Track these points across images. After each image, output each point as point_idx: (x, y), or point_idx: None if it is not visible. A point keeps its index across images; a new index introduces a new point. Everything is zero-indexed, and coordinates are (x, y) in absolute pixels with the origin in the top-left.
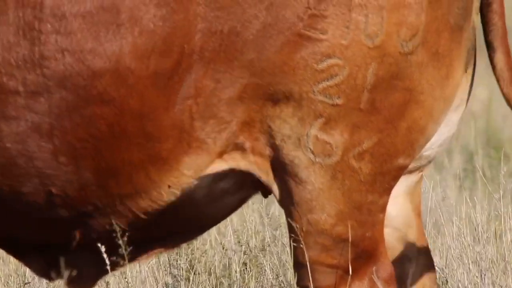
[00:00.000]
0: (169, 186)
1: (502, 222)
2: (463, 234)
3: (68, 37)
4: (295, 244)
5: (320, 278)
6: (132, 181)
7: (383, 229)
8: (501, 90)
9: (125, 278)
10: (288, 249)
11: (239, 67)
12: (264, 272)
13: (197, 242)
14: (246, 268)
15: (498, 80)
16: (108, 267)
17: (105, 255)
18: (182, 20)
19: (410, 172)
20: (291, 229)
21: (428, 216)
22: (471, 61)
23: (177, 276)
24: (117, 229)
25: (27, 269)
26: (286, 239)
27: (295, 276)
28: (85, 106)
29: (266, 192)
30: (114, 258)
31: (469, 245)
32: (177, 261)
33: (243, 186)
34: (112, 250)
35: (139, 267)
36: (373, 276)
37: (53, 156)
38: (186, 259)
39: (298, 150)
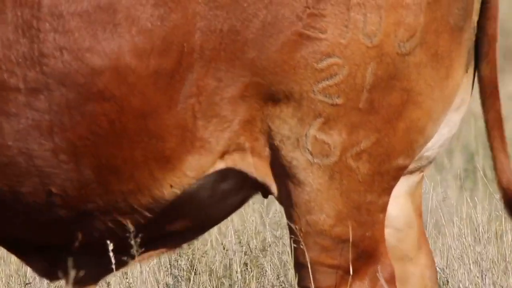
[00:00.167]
0: (171, 186)
1: (503, 222)
2: (464, 234)
3: (66, 36)
4: (295, 245)
5: (320, 278)
6: (134, 178)
7: (383, 229)
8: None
9: (127, 278)
10: (289, 249)
11: (240, 66)
12: (265, 273)
13: (198, 243)
14: (247, 269)
15: (479, 89)
16: (114, 266)
17: (111, 254)
18: (180, 19)
19: (411, 172)
20: (291, 230)
21: (429, 216)
22: (472, 62)
23: (178, 276)
24: (131, 229)
25: (28, 269)
26: (286, 240)
27: (296, 276)
28: (85, 103)
29: (266, 192)
30: (119, 257)
31: (470, 245)
32: (178, 261)
33: (244, 186)
34: (115, 249)
35: (140, 267)
36: (378, 274)
37: (53, 154)
38: (187, 260)
39: (297, 151)
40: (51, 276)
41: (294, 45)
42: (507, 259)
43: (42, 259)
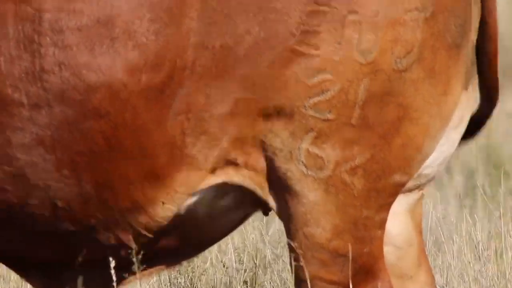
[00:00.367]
0: (163, 203)
1: (503, 240)
2: (464, 252)
3: (65, 51)
4: (295, 262)
5: None
6: (130, 195)
7: (382, 246)
8: None
9: None
10: (289, 267)
11: (231, 82)
12: None
13: (198, 260)
14: (247, 287)
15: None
16: (114, 284)
17: (113, 271)
18: (174, 35)
19: (411, 190)
20: (291, 247)
21: (429, 234)
22: (472, 79)
23: None
24: (133, 246)
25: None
26: (287, 257)
27: None
28: (83, 120)
29: (266, 209)
30: (120, 274)
31: (469, 263)
32: (177, 279)
33: (243, 203)
34: (116, 266)
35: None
36: None
37: (57, 169)
38: (187, 277)
39: (290, 163)
40: None
41: (286, 61)
42: (507, 277)
43: (43, 275)
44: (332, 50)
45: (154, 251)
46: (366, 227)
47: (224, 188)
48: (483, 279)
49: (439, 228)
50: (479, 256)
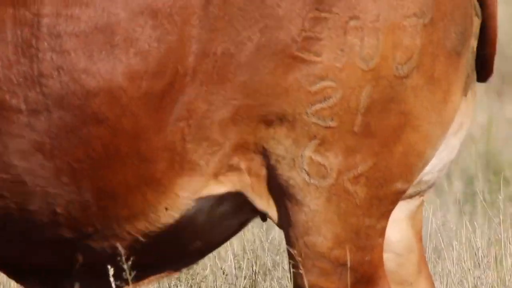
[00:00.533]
0: (166, 209)
1: (503, 247)
2: (463, 258)
3: (63, 56)
4: (294, 270)
5: None
6: (129, 202)
7: (382, 253)
8: None
9: None
10: (288, 274)
11: (232, 88)
12: None
13: (197, 267)
14: None
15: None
16: None
17: (111, 279)
18: (176, 41)
19: (411, 197)
20: (290, 255)
21: (428, 240)
22: (471, 86)
23: None
24: (122, 252)
25: None
26: (286, 265)
27: None
28: (81, 126)
29: (264, 215)
30: (118, 282)
31: (469, 269)
32: (177, 286)
33: (242, 209)
34: (114, 274)
35: None
36: None
37: (56, 176)
38: (187, 284)
39: (293, 170)
40: None
41: (288, 68)
42: (507, 284)
43: (41, 282)
44: (334, 57)
45: (154, 258)
46: (368, 236)
47: (223, 194)
48: (482, 286)
49: (439, 235)
50: (478, 263)
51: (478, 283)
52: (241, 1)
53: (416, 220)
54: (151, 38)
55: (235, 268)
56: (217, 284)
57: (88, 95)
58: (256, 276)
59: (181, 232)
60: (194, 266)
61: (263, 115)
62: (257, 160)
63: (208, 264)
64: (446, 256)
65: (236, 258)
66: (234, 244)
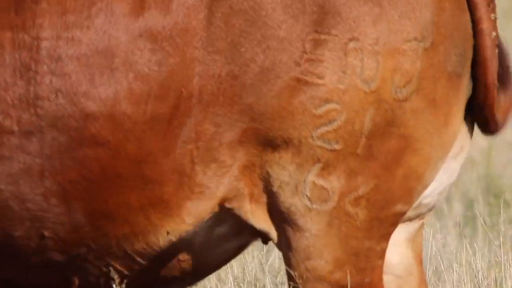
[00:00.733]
0: (168, 233)
1: (503, 269)
2: (464, 281)
3: (63, 79)
4: None
5: None
6: (128, 223)
7: (382, 275)
8: None
9: None
10: None
11: (238, 111)
12: None
13: None
14: None
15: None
16: None
17: None
18: (178, 64)
19: (411, 219)
20: (290, 276)
21: (429, 263)
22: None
23: None
24: (115, 276)
25: None
26: (286, 286)
27: None
28: (77, 148)
29: (265, 238)
30: None
31: None
32: None
33: (241, 231)
34: None
35: None
36: None
37: (44, 198)
38: None
39: (295, 197)
40: None
41: (292, 91)
42: None
43: None
44: (337, 79)
45: (152, 279)
46: (368, 258)
47: (221, 216)
48: None
49: (439, 257)
50: (479, 285)
51: None
52: (242, 22)
53: (416, 243)
54: (151, 61)
55: None
56: None
57: (86, 118)
58: None
59: (178, 253)
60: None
61: (269, 139)
62: (260, 186)
63: (208, 286)
64: (446, 278)
65: (236, 280)
66: (234, 267)
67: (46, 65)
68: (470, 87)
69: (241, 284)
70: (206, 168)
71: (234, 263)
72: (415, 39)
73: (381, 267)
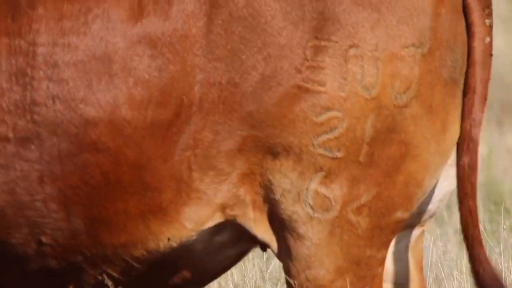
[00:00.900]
0: (168, 239)
1: (503, 277)
2: None
3: (60, 85)
4: None
5: None
6: (128, 230)
7: (382, 283)
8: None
9: None
10: None
11: (238, 119)
12: None
13: None
14: None
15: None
16: None
17: None
18: (179, 71)
19: (411, 227)
20: (289, 286)
21: (429, 270)
22: None
23: None
24: (111, 283)
25: None
26: None
27: None
28: (78, 154)
29: (265, 246)
30: None
31: None
32: None
33: (241, 239)
34: None
35: None
36: None
37: (43, 204)
38: None
39: (297, 205)
40: None
41: (293, 98)
42: None
43: None
44: (338, 86)
45: (148, 286)
46: (369, 266)
47: (222, 224)
48: None
49: (440, 265)
50: None
51: None
52: (242, 29)
53: (416, 250)
54: (151, 67)
55: None
56: None
57: (86, 124)
58: None
59: (178, 260)
60: None
61: (269, 147)
62: (262, 194)
63: None
64: (447, 286)
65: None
66: (234, 274)
67: (43, 71)
68: None
69: None
70: (203, 175)
71: (235, 270)
72: (413, 45)
73: (381, 275)
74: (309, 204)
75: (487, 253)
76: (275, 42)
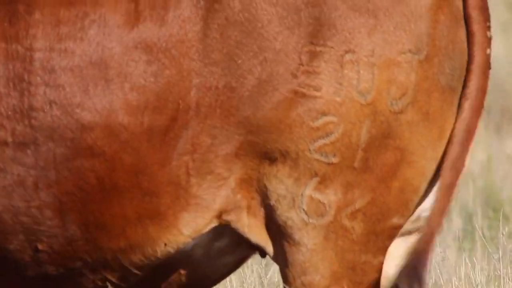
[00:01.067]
0: (165, 244)
1: (502, 283)
2: None
3: (56, 90)
4: None
5: None
6: (125, 235)
7: None
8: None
9: None
10: None
11: (235, 123)
12: None
13: None
14: None
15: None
16: None
17: None
18: (175, 76)
19: (410, 233)
20: None
21: (428, 276)
22: None
23: None
24: (122, 286)
25: None
26: None
27: None
28: (73, 159)
29: (263, 252)
30: None
31: None
32: None
33: (240, 245)
34: None
35: None
36: None
37: (38, 210)
38: None
39: (292, 211)
40: None
41: (290, 103)
42: None
43: None
44: (334, 91)
45: None
46: (365, 272)
47: (220, 230)
48: None
49: (438, 271)
50: None
51: None
52: (238, 34)
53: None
54: (147, 72)
55: None
56: None
57: (82, 129)
58: None
59: (177, 266)
60: None
61: (266, 152)
62: (257, 199)
63: None
64: None
65: None
66: (233, 280)
67: (40, 76)
68: None
69: None
70: (201, 180)
71: (233, 276)
72: (410, 51)
73: (378, 281)
74: (304, 210)
75: (486, 259)
76: (271, 46)
